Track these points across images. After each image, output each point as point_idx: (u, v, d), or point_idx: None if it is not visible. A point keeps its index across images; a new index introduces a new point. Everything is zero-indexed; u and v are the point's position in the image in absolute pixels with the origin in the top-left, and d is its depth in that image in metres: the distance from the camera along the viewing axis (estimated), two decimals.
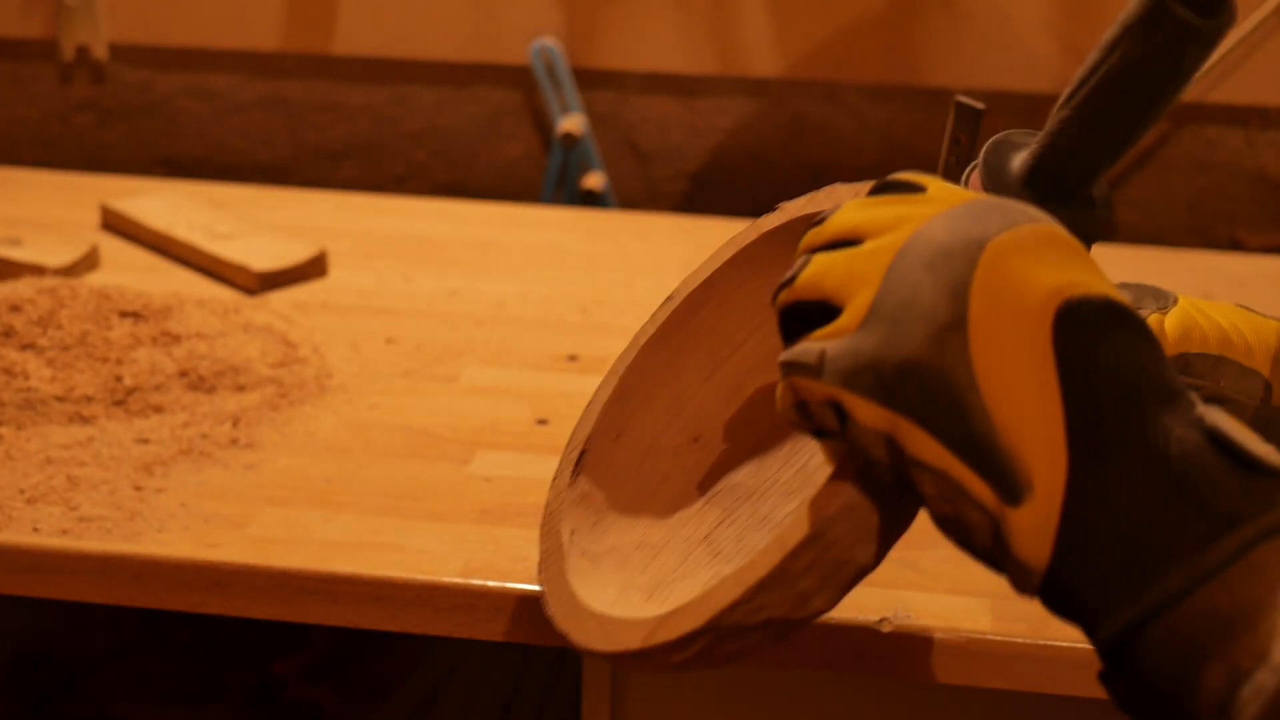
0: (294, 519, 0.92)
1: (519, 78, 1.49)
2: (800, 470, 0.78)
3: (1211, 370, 0.75)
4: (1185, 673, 0.52)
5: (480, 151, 1.53)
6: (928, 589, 0.86)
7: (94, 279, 1.21)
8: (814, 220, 0.64)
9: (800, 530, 0.62)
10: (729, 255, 0.84)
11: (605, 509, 0.80)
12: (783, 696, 0.91)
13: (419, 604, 0.86)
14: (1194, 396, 0.57)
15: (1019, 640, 0.82)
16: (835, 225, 0.62)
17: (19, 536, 0.88)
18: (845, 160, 1.49)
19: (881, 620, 0.83)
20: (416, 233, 1.36)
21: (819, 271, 0.60)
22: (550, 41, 1.46)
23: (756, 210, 1.50)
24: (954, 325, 0.55)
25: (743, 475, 0.80)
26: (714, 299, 0.83)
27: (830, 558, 0.62)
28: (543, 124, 1.51)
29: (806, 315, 0.61)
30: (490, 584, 0.86)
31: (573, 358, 1.14)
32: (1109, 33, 0.71)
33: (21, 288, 1.12)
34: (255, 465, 0.97)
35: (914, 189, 0.62)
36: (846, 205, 0.62)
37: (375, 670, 1.27)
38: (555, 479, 0.83)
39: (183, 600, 0.88)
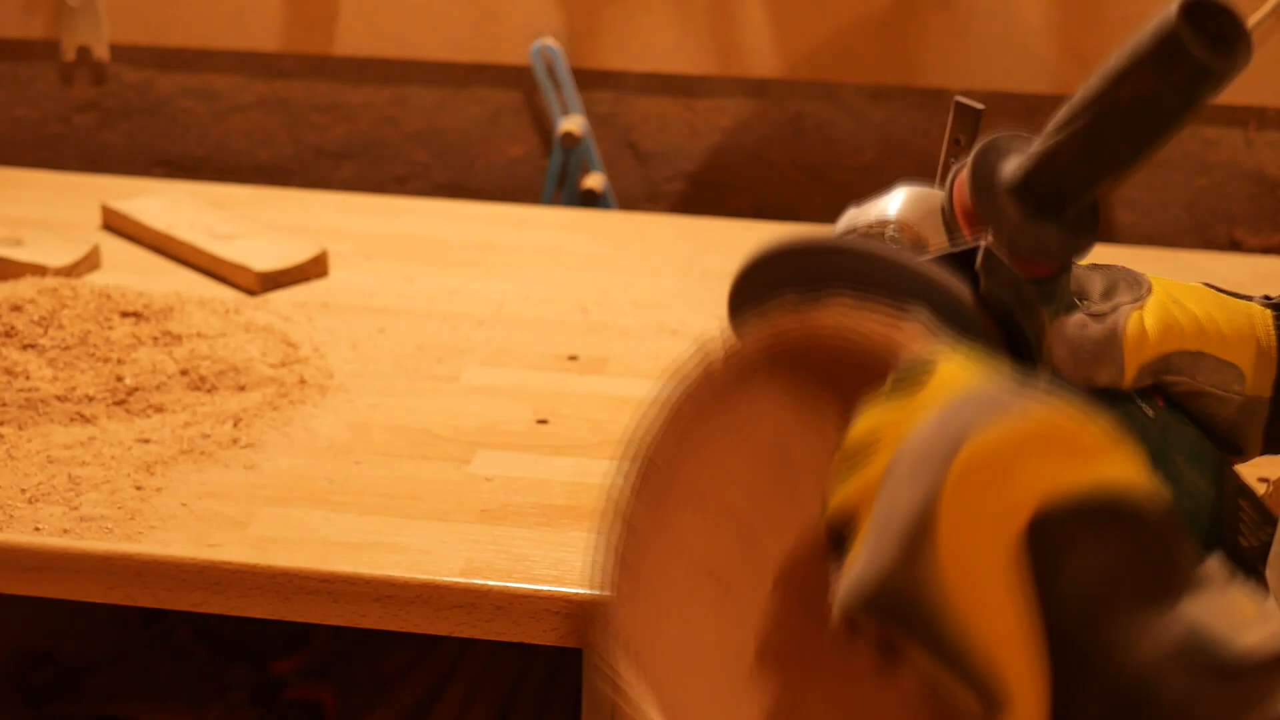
0: (294, 519, 0.92)
1: (519, 78, 1.49)
2: None
3: (1190, 366, 0.73)
4: None
5: (480, 152, 1.53)
6: None
7: (95, 279, 1.22)
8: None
9: None
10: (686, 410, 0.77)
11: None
12: None
13: (419, 603, 0.86)
14: (1188, 572, 0.55)
15: None
16: (855, 438, 0.61)
17: (20, 536, 0.89)
18: (844, 160, 1.49)
19: None
20: (417, 233, 1.37)
21: (841, 495, 0.61)
22: (550, 42, 1.46)
23: (757, 210, 1.51)
24: (922, 541, 0.55)
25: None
26: (690, 455, 0.75)
27: None
28: (543, 124, 1.51)
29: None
30: (490, 583, 0.86)
31: (573, 358, 1.14)
32: (1118, 60, 0.70)
33: (23, 288, 1.13)
34: (256, 465, 0.97)
35: (921, 375, 0.61)
36: (864, 411, 0.62)
37: (375, 670, 1.27)
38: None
39: (184, 599, 0.88)
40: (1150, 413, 0.73)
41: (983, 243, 0.69)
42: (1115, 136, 0.71)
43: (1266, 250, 1.45)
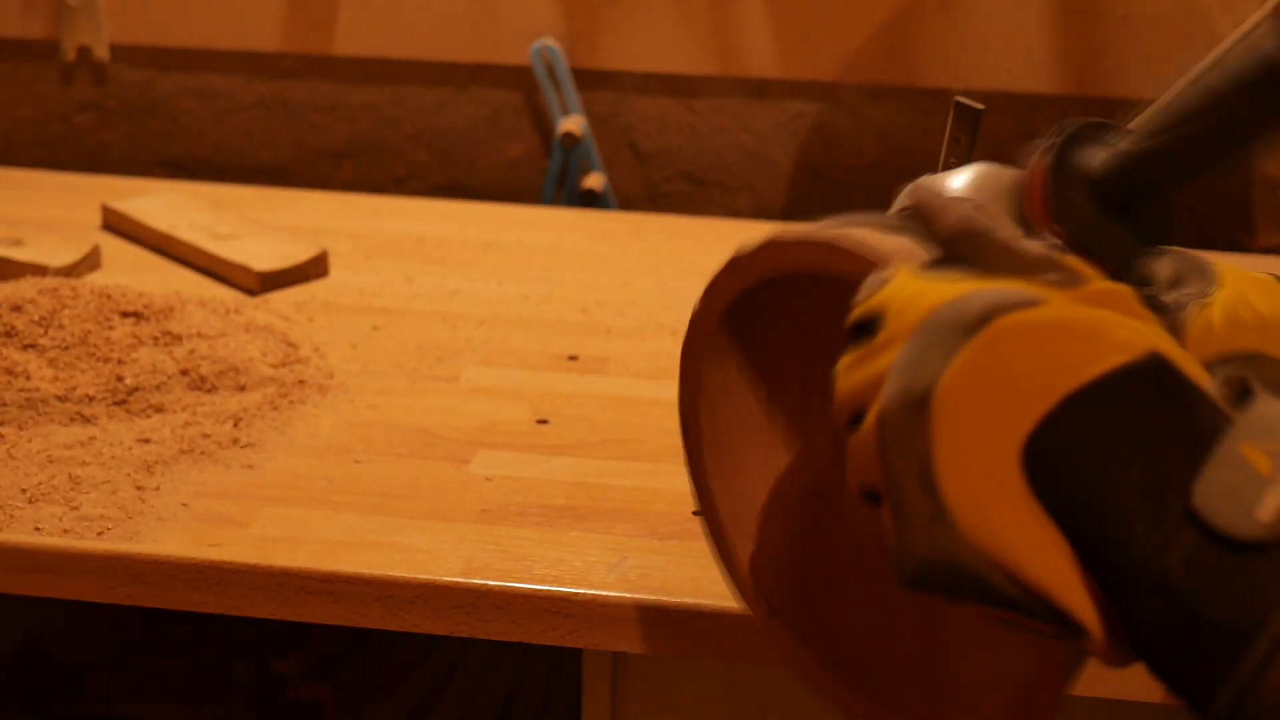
0: (295, 518, 0.92)
1: (519, 78, 1.49)
2: None
3: (1248, 365, 0.70)
4: None
5: (480, 152, 1.53)
6: None
7: (95, 279, 1.22)
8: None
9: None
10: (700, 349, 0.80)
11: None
12: (782, 696, 0.91)
13: (419, 603, 0.86)
14: (1219, 428, 0.54)
15: None
16: (839, 406, 0.60)
17: (20, 536, 0.89)
18: (844, 160, 1.49)
19: None
20: (417, 233, 1.37)
21: (850, 464, 0.60)
22: (550, 42, 1.46)
23: (757, 210, 1.51)
24: (936, 514, 0.54)
25: None
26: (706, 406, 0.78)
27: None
28: (543, 124, 1.51)
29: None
30: (491, 583, 0.86)
31: (573, 358, 1.14)
32: (1213, 77, 0.67)
33: (23, 288, 1.13)
34: (256, 465, 0.97)
35: (870, 330, 0.59)
36: (837, 374, 0.60)
37: (376, 669, 1.27)
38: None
39: (184, 599, 0.88)
40: None
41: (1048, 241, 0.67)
42: (1208, 151, 0.69)
43: (1266, 250, 1.45)
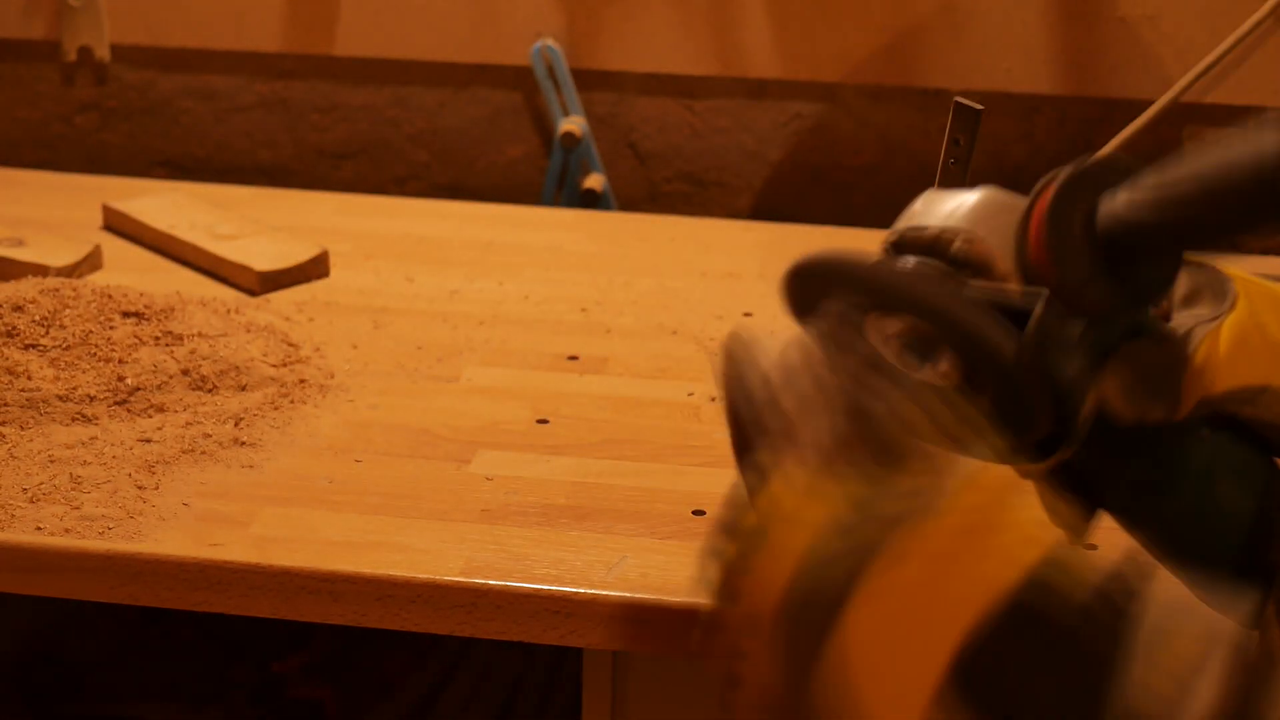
0: (295, 518, 0.92)
1: (519, 78, 1.49)
2: None
3: (1254, 397, 0.68)
4: None
5: (481, 152, 1.53)
6: None
7: (96, 279, 1.22)
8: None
9: None
10: None
11: None
12: None
13: (420, 603, 0.86)
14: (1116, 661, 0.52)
15: None
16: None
17: (22, 535, 0.89)
18: (844, 160, 1.49)
19: None
20: (417, 233, 1.37)
21: (729, 621, 0.58)
22: (551, 42, 1.46)
23: (757, 210, 1.51)
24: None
25: None
26: None
27: None
28: (543, 125, 1.51)
29: None
30: (491, 583, 0.86)
31: (573, 358, 1.14)
32: (1211, 165, 0.63)
33: (24, 288, 1.13)
34: (257, 465, 0.97)
35: (740, 532, 0.57)
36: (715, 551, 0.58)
37: (376, 669, 1.27)
38: None
39: (185, 599, 0.88)
40: (1205, 433, 0.69)
41: (1039, 304, 0.65)
42: (1220, 227, 0.64)
43: (1266, 251, 1.45)
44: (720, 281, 1.29)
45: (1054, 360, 0.65)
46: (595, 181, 1.49)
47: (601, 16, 1.46)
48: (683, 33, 1.46)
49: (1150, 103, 1.41)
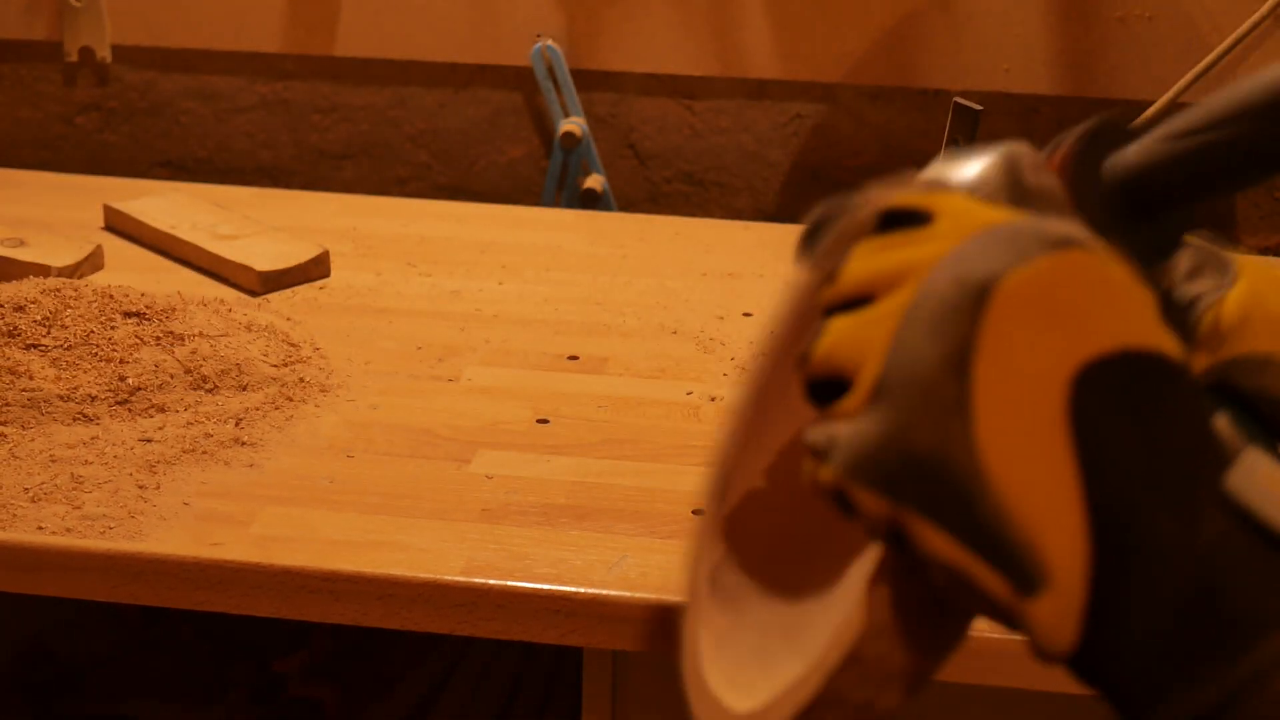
0: (296, 518, 0.92)
1: (520, 79, 1.50)
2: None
3: (1257, 371, 0.68)
4: None
5: (481, 153, 1.53)
6: None
7: (98, 279, 1.22)
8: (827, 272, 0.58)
9: (835, 651, 0.57)
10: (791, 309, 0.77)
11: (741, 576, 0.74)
12: None
13: (420, 602, 0.87)
14: (1236, 451, 0.50)
15: (1018, 638, 0.82)
16: (845, 284, 0.56)
17: (23, 535, 0.89)
18: (844, 161, 1.49)
19: None
20: (417, 233, 1.37)
21: (831, 343, 0.55)
22: (551, 43, 1.46)
23: (756, 211, 1.51)
24: (957, 405, 0.49)
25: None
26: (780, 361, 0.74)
27: (875, 673, 0.56)
28: (543, 125, 1.51)
29: (832, 386, 0.55)
30: (491, 582, 0.86)
31: (573, 358, 1.14)
32: (1243, 90, 0.64)
33: (26, 288, 1.13)
34: (258, 464, 0.98)
35: (921, 219, 0.55)
36: (855, 254, 0.56)
37: (376, 668, 1.28)
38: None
39: (185, 598, 0.88)
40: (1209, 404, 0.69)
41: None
42: (1234, 165, 0.65)
43: (1265, 250, 1.45)
44: (720, 281, 1.29)
45: None
46: (595, 181, 1.49)
47: (601, 17, 1.46)
48: (683, 33, 1.46)
49: (1150, 103, 1.41)
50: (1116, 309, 0.51)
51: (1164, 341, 0.51)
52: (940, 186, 0.59)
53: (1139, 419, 0.50)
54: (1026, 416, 0.49)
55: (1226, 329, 0.68)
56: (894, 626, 0.55)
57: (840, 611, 0.63)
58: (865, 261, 0.55)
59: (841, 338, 0.54)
